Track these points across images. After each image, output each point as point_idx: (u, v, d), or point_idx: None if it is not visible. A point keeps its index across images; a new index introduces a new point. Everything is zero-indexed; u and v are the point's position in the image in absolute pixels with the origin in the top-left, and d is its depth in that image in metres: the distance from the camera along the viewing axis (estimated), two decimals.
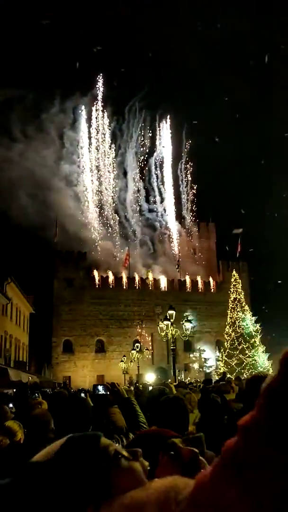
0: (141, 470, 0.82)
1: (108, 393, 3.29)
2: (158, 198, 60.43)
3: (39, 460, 0.83)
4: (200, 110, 73.12)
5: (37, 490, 0.76)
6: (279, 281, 52.81)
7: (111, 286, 50.84)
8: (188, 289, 53.59)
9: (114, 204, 57.88)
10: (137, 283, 51.65)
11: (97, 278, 50.50)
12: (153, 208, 60.01)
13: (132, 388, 10.92)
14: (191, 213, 61.01)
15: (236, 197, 73.67)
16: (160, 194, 60.57)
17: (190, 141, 62.70)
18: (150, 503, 0.71)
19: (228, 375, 18.32)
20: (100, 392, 4.09)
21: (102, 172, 58.05)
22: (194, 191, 61.58)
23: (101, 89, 58.85)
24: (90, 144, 57.91)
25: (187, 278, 53.76)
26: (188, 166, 62.29)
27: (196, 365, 50.35)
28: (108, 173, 58.24)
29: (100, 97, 58.65)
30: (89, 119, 58.23)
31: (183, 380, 25.33)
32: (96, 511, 0.75)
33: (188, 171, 62.26)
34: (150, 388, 8.07)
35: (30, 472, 0.81)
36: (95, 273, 50.57)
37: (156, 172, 61.07)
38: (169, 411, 2.41)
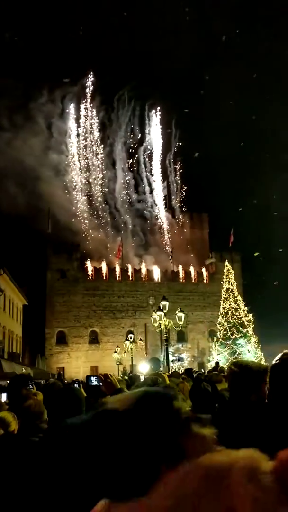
0: (210, 437, 0.83)
1: (101, 384, 3.32)
2: (147, 189, 60.26)
3: (117, 408, 0.84)
4: (191, 99, 72.88)
5: (117, 437, 0.76)
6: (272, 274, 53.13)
7: (104, 278, 50.86)
8: (181, 280, 53.76)
9: (103, 194, 57.65)
10: (131, 274, 51.71)
11: (90, 269, 50.47)
12: (143, 198, 59.85)
13: (126, 377, 10.98)
14: (180, 204, 60.96)
15: (228, 188, 73.79)
16: (150, 184, 60.37)
17: (179, 132, 62.43)
18: (237, 467, 0.70)
19: (221, 365, 18.48)
20: (93, 383, 4.12)
21: (91, 162, 57.76)
22: (180, 183, 61.34)
23: (91, 79, 58.25)
24: (78, 134, 57.54)
25: (180, 269, 53.91)
26: (177, 157, 62.06)
27: (189, 355, 50.70)
28: (97, 163, 57.96)
29: (89, 87, 58.05)
30: (77, 109, 57.77)
31: (176, 370, 25.50)
32: (170, 470, 0.76)
33: (178, 162, 62.04)
34: (143, 378, 8.13)
35: (110, 418, 0.82)
36: (89, 264, 50.52)
37: (145, 162, 60.82)
38: None
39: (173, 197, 60.94)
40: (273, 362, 1.74)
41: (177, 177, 61.61)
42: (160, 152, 61.33)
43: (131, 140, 60.04)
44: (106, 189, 58.05)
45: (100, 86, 58.98)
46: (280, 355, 1.71)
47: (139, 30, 71.99)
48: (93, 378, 4.02)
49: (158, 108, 61.40)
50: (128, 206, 58.49)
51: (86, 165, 57.47)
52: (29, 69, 64.79)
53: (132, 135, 60.35)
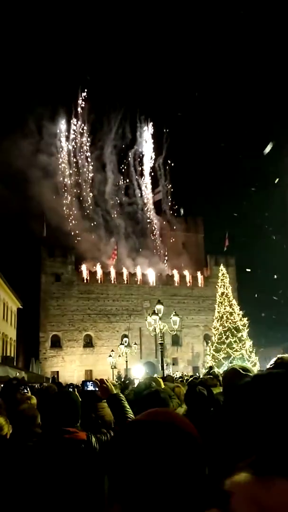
0: None
1: (97, 389, 3.31)
2: (138, 192, 60.23)
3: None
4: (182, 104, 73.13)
5: None
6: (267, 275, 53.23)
7: (99, 281, 50.76)
8: (176, 284, 53.75)
9: (93, 197, 57.40)
10: (126, 278, 51.63)
11: (85, 272, 50.35)
12: (134, 201, 59.71)
13: (120, 382, 10.95)
14: (172, 207, 60.88)
15: (223, 192, 74.00)
16: (140, 187, 60.30)
17: (169, 135, 62.43)
18: None
19: (216, 369, 18.46)
20: (89, 388, 4.10)
21: (81, 164, 57.64)
22: (171, 186, 61.22)
23: (82, 94, 58.25)
24: (68, 136, 57.51)
25: (175, 273, 53.89)
26: (168, 161, 61.99)
27: (183, 359, 50.66)
28: (87, 165, 57.83)
29: (81, 96, 58.10)
30: (68, 112, 57.77)
31: (171, 374, 25.47)
32: None
33: (167, 166, 61.95)
34: (137, 382, 8.11)
35: None
36: (83, 267, 50.40)
37: (135, 165, 60.76)
38: (149, 405, 2.43)
39: (163, 200, 60.60)
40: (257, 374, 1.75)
41: (166, 182, 61.41)
42: (150, 155, 61.29)
43: (121, 143, 59.95)
44: (96, 192, 57.86)
45: (92, 91, 59.01)
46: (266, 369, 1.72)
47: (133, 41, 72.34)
48: (89, 383, 4.00)
49: (149, 119, 61.23)
50: (120, 209, 58.37)
51: (76, 167, 57.36)
52: (23, 76, 64.90)
53: (123, 138, 60.24)
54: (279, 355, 1.74)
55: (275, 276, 53.90)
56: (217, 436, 2.40)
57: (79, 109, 57.80)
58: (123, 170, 59.19)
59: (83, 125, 57.91)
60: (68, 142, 57.19)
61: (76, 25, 71.80)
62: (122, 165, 59.24)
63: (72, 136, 57.36)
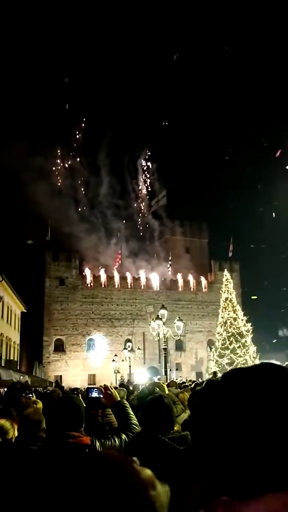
0: None
1: (101, 396, 3.35)
2: (133, 195, 60.20)
3: None
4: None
5: None
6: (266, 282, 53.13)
7: (103, 285, 50.75)
8: (180, 289, 53.68)
9: (87, 199, 57.11)
10: (129, 283, 51.58)
11: (89, 277, 50.34)
12: (131, 204, 59.57)
13: (125, 386, 10.93)
14: (175, 212, 60.78)
15: (227, 197, 73.91)
16: (139, 191, 60.17)
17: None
18: None
19: (219, 375, 18.41)
20: (93, 395, 4.13)
21: (76, 167, 57.45)
22: (164, 190, 60.92)
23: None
24: (63, 137, 57.58)
25: (179, 278, 53.81)
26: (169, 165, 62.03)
27: (187, 365, 50.51)
28: (83, 168, 57.64)
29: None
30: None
31: (174, 379, 25.39)
32: None
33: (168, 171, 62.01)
34: (141, 387, 8.10)
35: None
36: (87, 272, 50.39)
37: (132, 169, 60.69)
38: (153, 410, 2.45)
39: (167, 205, 60.29)
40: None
41: (160, 186, 61.00)
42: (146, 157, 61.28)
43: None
44: (92, 194, 57.52)
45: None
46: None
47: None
48: (93, 390, 4.02)
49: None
50: (118, 212, 57.96)
51: (70, 169, 57.14)
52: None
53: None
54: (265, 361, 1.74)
55: (282, 288, 53.72)
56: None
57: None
58: (121, 174, 59.06)
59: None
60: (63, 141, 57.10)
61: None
62: (121, 169, 59.08)
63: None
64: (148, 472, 0.87)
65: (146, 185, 60.32)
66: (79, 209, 55.11)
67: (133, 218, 59.01)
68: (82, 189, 56.65)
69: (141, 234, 58.45)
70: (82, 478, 0.77)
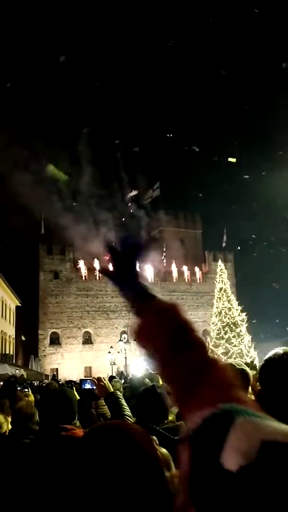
0: None
1: (94, 387, 3.32)
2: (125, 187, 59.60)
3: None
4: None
5: None
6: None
7: (97, 278, 50.70)
8: (174, 280, 53.78)
9: (70, 190, 55.99)
10: None
11: (83, 269, 50.26)
12: (118, 194, 58.82)
13: (118, 379, 10.96)
14: (169, 203, 60.39)
15: (221, 187, 73.93)
16: (133, 183, 59.50)
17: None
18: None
19: None
20: (86, 387, 4.10)
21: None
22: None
23: None
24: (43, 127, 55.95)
25: (173, 269, 53.88)
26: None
27: None
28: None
29: None
30: None
31: None
32: None
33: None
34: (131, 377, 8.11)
35: None
36: (81, 264, 50.28)
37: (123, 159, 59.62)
38: (147, 401, 2.44)
39: (154, 195, 59.67)
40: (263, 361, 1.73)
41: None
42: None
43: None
44: (76, 185, 56.60)
45: None
46: (269, 355, 1.69)
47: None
48: (86, 382, 3.99)
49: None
50: (104, 202, 56.87)
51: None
52: None
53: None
54: (276, 350, 1.72)
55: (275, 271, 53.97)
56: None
57: None
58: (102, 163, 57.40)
59: None
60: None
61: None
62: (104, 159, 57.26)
63: None
64: (164, 451, 0.83)
65: (136, 175, 59.68)
66: (64, 200, 53.75)
67: (126, 209, 58.50)
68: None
69: (134, 225, 58.13)
70: (96, 446, 0.75)
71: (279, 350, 1.64)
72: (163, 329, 0.90)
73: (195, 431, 0.55)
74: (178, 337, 0.89)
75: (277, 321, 49.64)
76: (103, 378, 3.10)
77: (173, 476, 0.83)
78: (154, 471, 0.74)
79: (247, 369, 2.46)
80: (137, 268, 1.06)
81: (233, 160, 39.78)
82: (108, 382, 3.00)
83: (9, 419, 3.66)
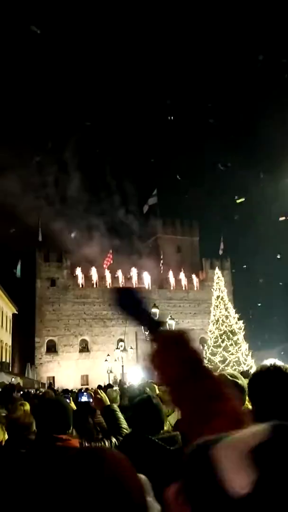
0: None
1: (91, 400, 3.31)
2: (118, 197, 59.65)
3: None
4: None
5: None
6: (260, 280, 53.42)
7: (94, 286, 50.61)
8: (171, 287, 53.72)
9: (59, 197, 55.72)
10: (121, 282, 51.46)
11: (80, 277, 50.15)
12: (113, 202, 58.92)
13: (116, 388, 10.91)
14: (166, 211, 60.43)
15: (218, 195, 74.16)
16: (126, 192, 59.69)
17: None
18: None
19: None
20: (83, 399, 4.07)
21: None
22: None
23: None
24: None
25: (171, 276, 53.84)
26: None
27: None
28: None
29: None
30: None
31: None
32: None
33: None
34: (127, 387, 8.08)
35: None
36: (78, 272, 50.17)
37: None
38: (142, 411, 2.43)
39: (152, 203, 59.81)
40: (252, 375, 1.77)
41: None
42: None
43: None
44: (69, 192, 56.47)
45: None
46: (257, 368, 1.74)
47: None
48: (83, 395, 3.98)
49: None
50: (97, 208, 56.93)
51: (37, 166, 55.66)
52: None
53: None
54: (265, 362, 1.76)
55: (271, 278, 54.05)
56: None
57: None
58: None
59: None
60: None
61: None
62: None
63: None
64: (144, 477, 0.85)
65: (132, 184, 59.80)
66: (62, 207, 53.67)
67: (125, 216, 58.60)
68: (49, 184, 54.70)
69: (132, 233, 58.19)
70: (79, 473, 0.74)
71: (267, 363, 1.67)
72: (173, 358, 0.98)
73: (185, 464, 0.57)
74: (188, 368, 0.95)
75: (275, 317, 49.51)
76: (100, 391, 3.09)
77: (153, 502, 0.84)
78: (134, 498, 0.73)
79: (241, 380, 2.47)
80: (145, 306, 1.17)
81: (242, 199, 39.59)
82: (104, 395, 2.99)
83: (4, 430, 3.64)
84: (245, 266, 57.08)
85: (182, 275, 54.30)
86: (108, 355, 39.76)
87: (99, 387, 12.48)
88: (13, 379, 23.08)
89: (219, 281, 38.62)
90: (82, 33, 78.57)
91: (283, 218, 33.29)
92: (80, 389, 16.79)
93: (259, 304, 53.80)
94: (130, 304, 1.16)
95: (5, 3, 52.65)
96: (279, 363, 1.72)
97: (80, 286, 50.05)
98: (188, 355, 0.98)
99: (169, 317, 20.22)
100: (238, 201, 38.90)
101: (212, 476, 0.51)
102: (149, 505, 0.80)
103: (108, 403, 2.91)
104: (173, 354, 0.98)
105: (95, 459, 0.76)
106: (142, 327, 1.16)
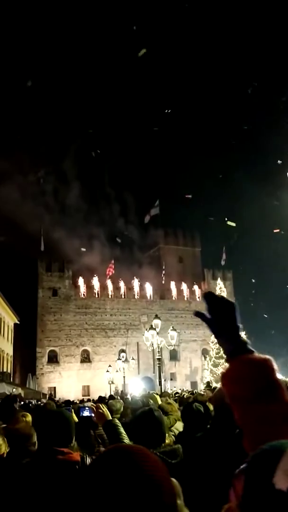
0: None
1: (93, 415, 3.30)
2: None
3: None
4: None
5: None
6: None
7: (96, 295, 50.53)
8: (173, 298, 53.60)
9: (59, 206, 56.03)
10: (123, 292, 51.38)
11: (82, 287, 50.09)
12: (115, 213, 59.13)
13: (118, 399, 10.86)
14: (167, 221, 60.58)
15: (220, 204, 74.29)
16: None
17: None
18: None
19: (214, 384, 18.35)
20: (85, 414, 4.06)
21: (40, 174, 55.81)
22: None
23: None
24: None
25: (172, 287, 53.75)
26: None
27: (181, 374, 50.29)
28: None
29: None
30: None
31: (169, 389, 25.26)
32: None
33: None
34: (129, 398, 8.04)
35: None
36: (81, 282, 50.13)
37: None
38: (143, 424, 2.43)
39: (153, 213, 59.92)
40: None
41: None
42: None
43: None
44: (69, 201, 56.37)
45: None
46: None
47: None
48: (85, 409, 3.96)
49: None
50: (97, 218, 57.30)
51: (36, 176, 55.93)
52: None
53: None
54: None
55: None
56: (213, 452, 2.40)
57: None
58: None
59: None
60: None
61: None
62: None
63: None
64: (175, 481, 0.86)
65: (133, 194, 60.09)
66: (56, 215, 53.87)
67: (125, 226, 58.77)
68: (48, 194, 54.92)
69: (133, 243, 58.26)
70: (118, 468, 0.74)
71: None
72: (253, 380, 0.98)
73: (249, 463, 0.62)
74: (266, 391, 0.95)
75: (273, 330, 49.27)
76: (102, 405, 3.08)
77: (182, 506, 0.86)
78: (167, 499, 0.73)
79: None
80: (238, 323, 1.16)
81: (233, 224, 40.07)
82: (106, 409, 2.99)
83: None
84: (245, 274, 56.80)
85: (184, 286, 54.20)
86: (110, 365, 39.59)
87: (100, 398, 12.40)
88: (14, 389, 22.97)
89: (221, 291, 38.61)
90: (82, 43, 79.58)
91: (277, 230, 33.47)
92: (82, 400, 16.70)
93: (265, 315, 53.39)
94: (222, 316, 1.16)
95: (5, 4, 53.52)
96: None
97: (82, 296, 49.94)
98: (268, 384, 0.97)
99: (171, 328, 20.13)
100: (229, 223, 39.15)
101: (270, 471, 0.57)
102: (179, 509, 0.81)
103: (110, 417, 2.91)
104: (252, 378, 0.98)
105: (138, 456, 0.77)
106: (222, 345, 1.16)
